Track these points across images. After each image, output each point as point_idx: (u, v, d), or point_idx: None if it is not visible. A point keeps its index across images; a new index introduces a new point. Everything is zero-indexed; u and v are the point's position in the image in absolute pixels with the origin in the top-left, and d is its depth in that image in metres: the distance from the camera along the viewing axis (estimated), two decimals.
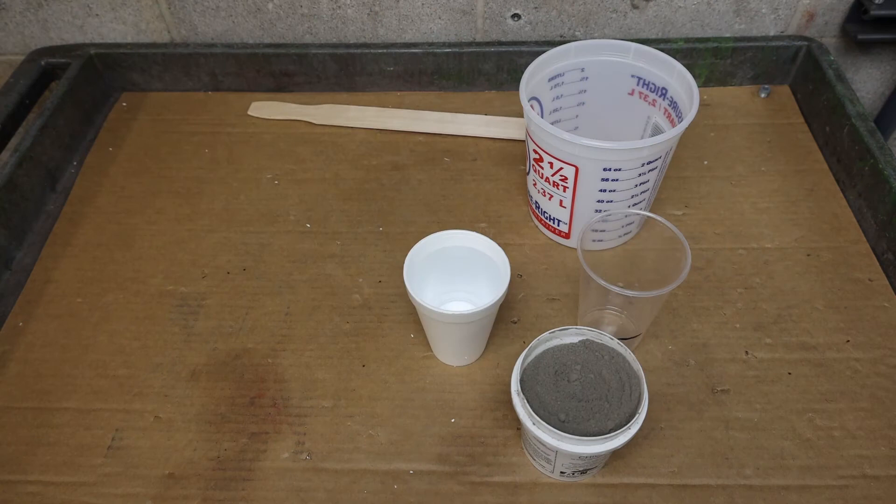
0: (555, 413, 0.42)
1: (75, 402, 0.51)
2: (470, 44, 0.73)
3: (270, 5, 0.74)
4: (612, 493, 0.45)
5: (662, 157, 0.52)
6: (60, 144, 0.68)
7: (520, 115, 0.71)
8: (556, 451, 0.42)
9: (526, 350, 0.44)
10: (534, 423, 0.41)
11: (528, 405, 0.42)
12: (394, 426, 0.49)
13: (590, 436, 0.40)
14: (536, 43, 0.73)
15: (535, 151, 0.54)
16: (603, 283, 0.44)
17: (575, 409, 0.42)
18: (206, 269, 0.59)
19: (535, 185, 0.57)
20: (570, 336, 0.45)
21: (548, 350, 0.45)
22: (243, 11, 0.75)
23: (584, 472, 0.45)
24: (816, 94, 0.69)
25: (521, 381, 0.43)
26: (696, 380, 0.51)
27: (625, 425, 0.40)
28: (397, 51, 0.73)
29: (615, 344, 0.44)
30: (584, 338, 0.45)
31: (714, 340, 0.53)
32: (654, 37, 0.75)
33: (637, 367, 0.43)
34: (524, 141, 0.59)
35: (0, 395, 0.52)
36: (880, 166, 0.59)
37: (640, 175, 0.52)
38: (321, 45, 0.74)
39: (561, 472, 0.45)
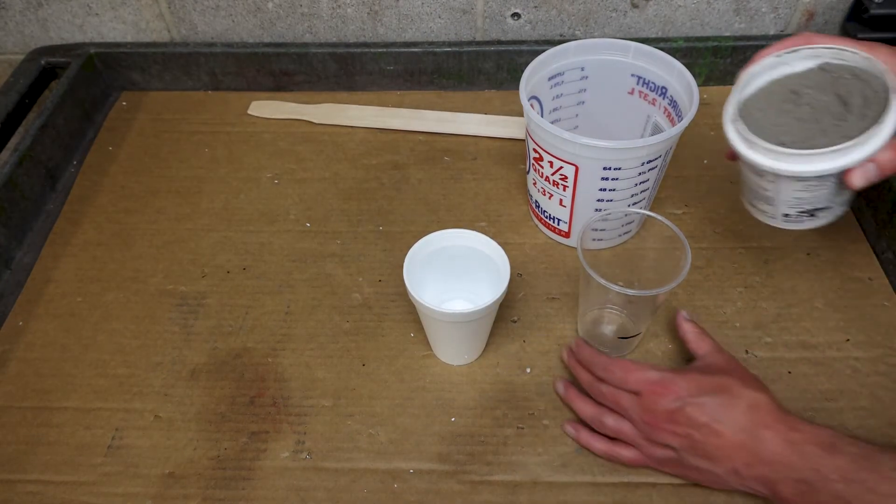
0: (775, 136, 0.37)
1: (75, 401, 0.51)
2: (470, 43, 0.73)
3: (270, 4, 0.74)
4: (612, 493, 0.45)
5: (662, 156, 0.52)
6: (60, 144, 0.68)
7: (520, 114, 0.71)
8: (777, 180, 0.36)
9: (742, 80, 0.39)
10: (749, 146, 0.37)
11: (743, 127, 0.37)
12: (394, 425, 0.49)
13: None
14: (536, 42, 0.73)
15: (535, 150, 0.54)
16: (603, 281, 0.44)
17: (800, 132, 0.37)
18: (206, 269, 0.59)
19: (535, 184, 0.57)
20: (802, 60, 0.39)
21: (773, 80, 0.40)
22: (243, 11, 0.74)
23: (811, 214, 0.40)
24: None
25: (739, 110, 0.39)
26: None
27: (862, 136, 0.35)
28: (397, 50, 0.73)
29: (860, 60, 0.38)
30: (822, 61, 0.39)
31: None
32: (653, 36, 0.75)
33: (891, 80, 0.36)
34: (524, 140, 0.59)
35: (0, 394, 0.52)
36: None
37: (639, 174, 0.52)
38: (321, 45, 0.73)
39: (785, 216, 0.41)
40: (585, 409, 0.47)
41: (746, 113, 0.40)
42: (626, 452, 0.45)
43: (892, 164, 0.37)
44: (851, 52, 0.39)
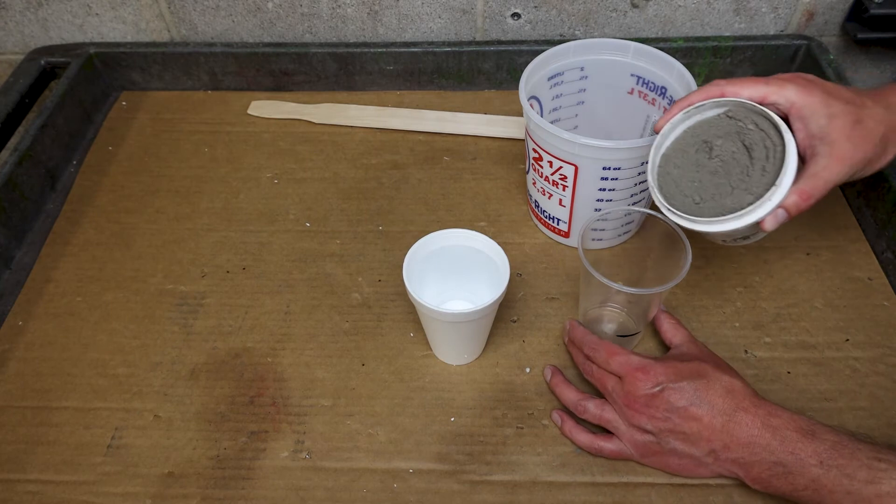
0: (692, 193, 0.43)
1: (75, 400, 0.51)
2: (470, 43, 0.73)
3: (270, 4, 0.74)
4: (612, 493, 0.45)
5: None
6: (60, 144, 0.68)
7: (519, 114, 0.71)
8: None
9: (659, 137, 0.45)
10: (670, 211, 0.43)
11: (658, 194, 0.43)
12: (393, 425, 0.49)
13: (727, 212, 0.41)
14: (536, 42, 0.73)
15: (535, 150, 0.54)
16: (604, 279, 0.44)
17: (713, 186, 0.42)
18: (206, 268, 0.59)
19: (534, 183, 0.57)
20: (709, 110, 0.44)
21: (687, 129, 0.45)
22: (243, 10, 0.75)
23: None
24: None
25: (659, 166, 0.45)
26: None
27: (764, 195, 0.41)
28: (397, 50, 0.73)
29: (757, 112, 0.42)
30: (726, 109, 0.44)
31: (713, 339, 0.53)
32: (653, 36, 0.75)
33: (785, 133, 0.41)
34: (524, 140, 0.59)
35: (0, 393, 0.52)
36: None
37: (639, 174, 0.52)
38: (321, 45, 0.74)
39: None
40: (568, 394, 0.48)
41: (666, 171, 0.45)
42: (607, 445, 0.46)
43: (797, 206, 0.42)
44: (749, 105, 0.42)
